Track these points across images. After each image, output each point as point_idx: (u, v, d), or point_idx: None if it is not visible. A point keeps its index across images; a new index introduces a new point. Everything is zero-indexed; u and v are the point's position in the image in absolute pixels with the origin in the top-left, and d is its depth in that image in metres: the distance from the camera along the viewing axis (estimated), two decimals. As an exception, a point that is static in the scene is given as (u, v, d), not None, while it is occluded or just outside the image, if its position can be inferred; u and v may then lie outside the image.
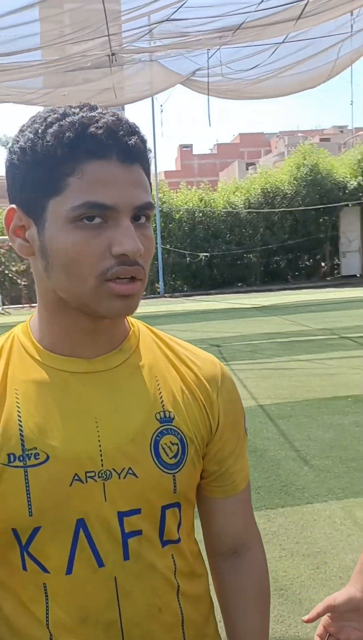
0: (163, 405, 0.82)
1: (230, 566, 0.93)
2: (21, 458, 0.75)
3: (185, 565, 0.85)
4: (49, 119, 0.72)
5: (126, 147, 0.71)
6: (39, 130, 0.72)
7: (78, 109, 0.73)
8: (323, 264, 21.67)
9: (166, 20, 6.40)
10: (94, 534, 0.77)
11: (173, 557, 0.83)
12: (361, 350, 7.84)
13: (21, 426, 0.76)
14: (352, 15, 9.97)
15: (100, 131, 0.70)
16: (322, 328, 9.79)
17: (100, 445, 0.77)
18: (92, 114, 0.72)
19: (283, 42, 11.16)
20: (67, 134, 0.70)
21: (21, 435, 0.75)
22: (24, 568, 0.77)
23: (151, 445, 0.80)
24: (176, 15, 6.38)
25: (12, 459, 0.74)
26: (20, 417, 0.76)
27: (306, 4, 5.53)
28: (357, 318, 10.80)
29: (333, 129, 53.93)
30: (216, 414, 0.86)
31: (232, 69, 10.47)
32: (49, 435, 0.76)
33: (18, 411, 0.76)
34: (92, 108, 0.74)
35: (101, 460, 0.77)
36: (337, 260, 21.13)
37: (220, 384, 0.87)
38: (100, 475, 0.77)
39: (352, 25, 9.96)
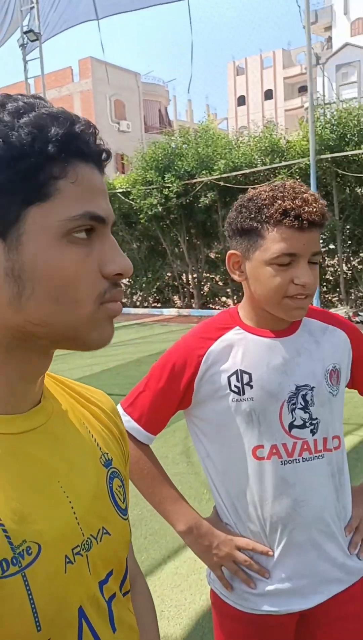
0: (100, 448, 0.74)
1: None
2: (15, 561, 0.55)
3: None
4: (10, 107, 0.57)
5: (104, 153, 0.62)
6: (5, 119, 0.56)
7: (40, 100, 0.59)
8: None
9: None
10: (92, 619, 0.64)
11: (129, 609, 0.76)
12: None
13: (0, 522, 0.56)
14: None
15: (88, 131, 0.59)
16: None
17: (75, 513, 0.64)
18: (62, 109, 0.59)
19: None
20: (53, 129, 0.56)
21: (4, 531, 0.56)
22: None
23: (109, 494, 0.71)
24: None
25: (5, 567, 0.55)
26: None
27: None
28: None
29: None
30: (126, 444, 0.83)
31: None
32: (31, 520, 0.58)
33: None
34: (43, 99, 0.60)
35: (81, 529, 0.64)
36: None
37: (115, 410, 0.84)
38: (83, 547, 0.64)
39: None
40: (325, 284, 11.45)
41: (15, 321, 0.59)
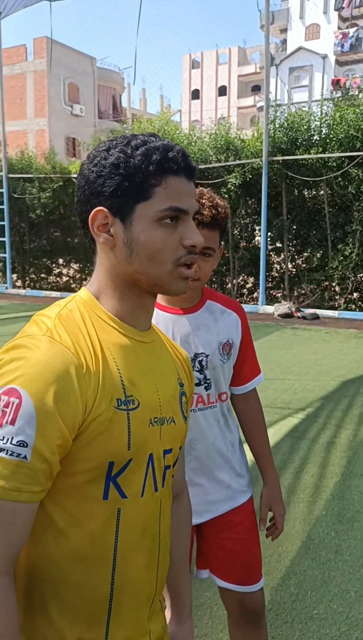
0: (178, 374, 1.09)
1: (174, 507, 1.20)
2: (125, 403, 0.90)
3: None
4: (133, 143, 0.92)
5: (191, 168, 0.95)
6: (128, 151, 0.91)
7: (152, 137, 0.94)
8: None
9: None
10: (155, 466, 0.97)
11: (171, 488, 1.08)
12: None
13: (121, 377, 0.91)
14: None
15: (178, 155, 0.92)
16: None
17: (159, 398, 0.98)
18: (164, 142, 0.93)
19: None
20: (154, 156, 0.90)
21: (123, 384, 0.91)
22: (105, 497, 0.90)
23: (179, 402, 1.05)
24: None
25: (119, 404, 0.89)
26: (119, 370, 0.91)
27: None
28: None
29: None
30: (192, 385, 1.16)
31: None
32: (137, 387, 0.93)
33: (116, 365, 0.91)
34: (156, 135, 0.95)
35: (160, 409, 0.98)
36: None
37: (190, 365, 1.17)
38: (160, 420, 0.98)
39: None
40: (270, 280, 11.99)
41: (129, 271, 0.94)
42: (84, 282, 14.53)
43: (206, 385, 1.62)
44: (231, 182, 11.28)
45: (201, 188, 1.55)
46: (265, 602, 1.78)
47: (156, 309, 1.58)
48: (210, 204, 1.52)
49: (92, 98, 37.79)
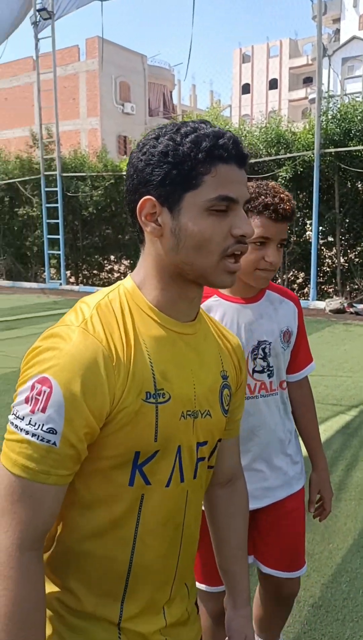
0: (223, 365, 1.07)
1: (227, 492, 1.21)
2: (154, 396, 0.91)
3: (207, 485, 1.10)
4: (182, 131, 0.90)
5: (242, 155, 0.91)
6: (177, 139, 0.89)
7: (203, 124, 0.91)
8: None
9: None
10: (183, 458, 0.98)
11: (207, 478, 1.08)
12: None
13: (153, 371, 0.91)
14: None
15: (229, 142, 0.89)
16: None
17: (195, 392, 0.98)
18: (216, 129, 0.90)
19: None
20: (204, 143, 0.87)
21: (154, 378, 0.91)
22: (130, 484, 0.92)
23: (219, 395, 1.04)
24: None
25: (148, 397, 0.90)
26: (151, 363, 0.91)
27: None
28: None
29: None
30: (243, 374, 1.15)
31: None
32: (169, 380, 0.93)
33: (149, 359, 0.91)
34: (207, 122, 0.92)
35: (195, 403, 0.98)
36: None
37: (241, 353, 1.15)
38: (193, 414, 0.98)
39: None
40: (322, 275, 11.76)
41: (175, 260, 0.93)
42: (134, 279, 14.62)
43: (269, 372, 1.65)
44: (281, 175, 11.11)
45: (272, 182, 1.59)
46: (315, 599, 1.77)
47: (220, 299, 1.63)
48: (287, 197, 1.55)
49: (143, 96, 38.00)
